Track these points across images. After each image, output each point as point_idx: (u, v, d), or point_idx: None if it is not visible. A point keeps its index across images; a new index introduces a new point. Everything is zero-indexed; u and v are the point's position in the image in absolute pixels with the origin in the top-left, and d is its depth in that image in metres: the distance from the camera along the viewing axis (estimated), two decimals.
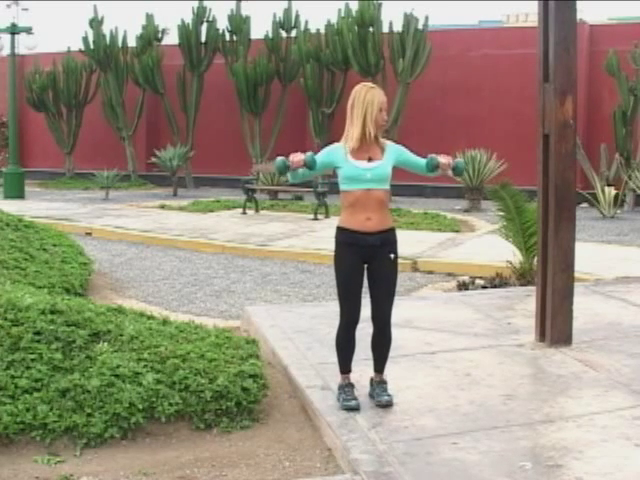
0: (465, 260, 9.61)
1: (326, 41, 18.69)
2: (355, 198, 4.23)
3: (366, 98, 4.21)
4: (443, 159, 4.29)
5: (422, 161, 4.39)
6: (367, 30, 17.75)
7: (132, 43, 21.26)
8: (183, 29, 20.34)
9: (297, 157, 4.19)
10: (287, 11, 19.86)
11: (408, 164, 4.40)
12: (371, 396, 4.47)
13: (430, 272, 9.29)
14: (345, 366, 4.44)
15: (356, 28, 17.75)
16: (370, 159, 4.23)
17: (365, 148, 4.23)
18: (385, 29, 17.86)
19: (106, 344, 4.56)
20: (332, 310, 5.06)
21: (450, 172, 4.37)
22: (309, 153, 4.28)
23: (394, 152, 4.32)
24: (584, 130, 16.33)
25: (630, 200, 15.68)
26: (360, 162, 4.22)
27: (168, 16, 22.35)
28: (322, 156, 4.31)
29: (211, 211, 15.13)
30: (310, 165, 4.22)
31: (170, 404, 4.25)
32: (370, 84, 4.38)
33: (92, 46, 21.28)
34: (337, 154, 4.27)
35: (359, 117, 4.21)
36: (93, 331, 4.64)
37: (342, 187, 4.29)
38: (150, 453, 4.04)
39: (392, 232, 4.35)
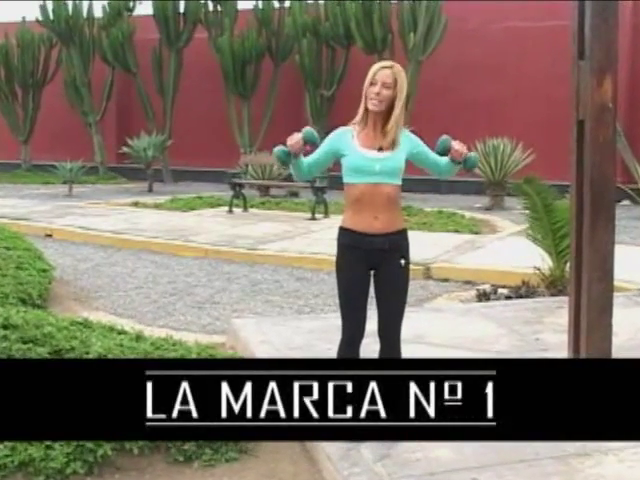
0: (486, 266, 9.60)
1: (325, 12, 18.74)
2: (360, 193, 4.18)
3: (369, 72, 4.25)
4: (457, 145, 4.22)
5: (439, 159, 4.33)
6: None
7: (99, 13, 21.31)
8: None
9: (294, 138, 4.11)
10: None
11: (422, 159, 4.34)
12: None
13: (445, 280, 9.30)
14: None
15: None
16: (381, 149, 4.19)
17: (375, 135, 4.21)
18: None
19: None
20: (332, 324, 5.05)
21: (458, 164, 4.27)
22: (307, 127, 4.22)
23: (410, 143, 4.28)
24: (626, 115, 16.37)
25: None
26: (369, 151, 4.18)
27: None
28: (327, 144, 4.27)
29: (192, 209, 15.16)
30: (310, 139, 4.13)
31: None
32: (387, 62, 4.39)
33: (52, 16, 21.31)
34: (343, 138, 4.24)
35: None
36: (54, 349, 4.63)
37: (345, 179, 4.25)
38: None
39: (403, 234, 4.31)
